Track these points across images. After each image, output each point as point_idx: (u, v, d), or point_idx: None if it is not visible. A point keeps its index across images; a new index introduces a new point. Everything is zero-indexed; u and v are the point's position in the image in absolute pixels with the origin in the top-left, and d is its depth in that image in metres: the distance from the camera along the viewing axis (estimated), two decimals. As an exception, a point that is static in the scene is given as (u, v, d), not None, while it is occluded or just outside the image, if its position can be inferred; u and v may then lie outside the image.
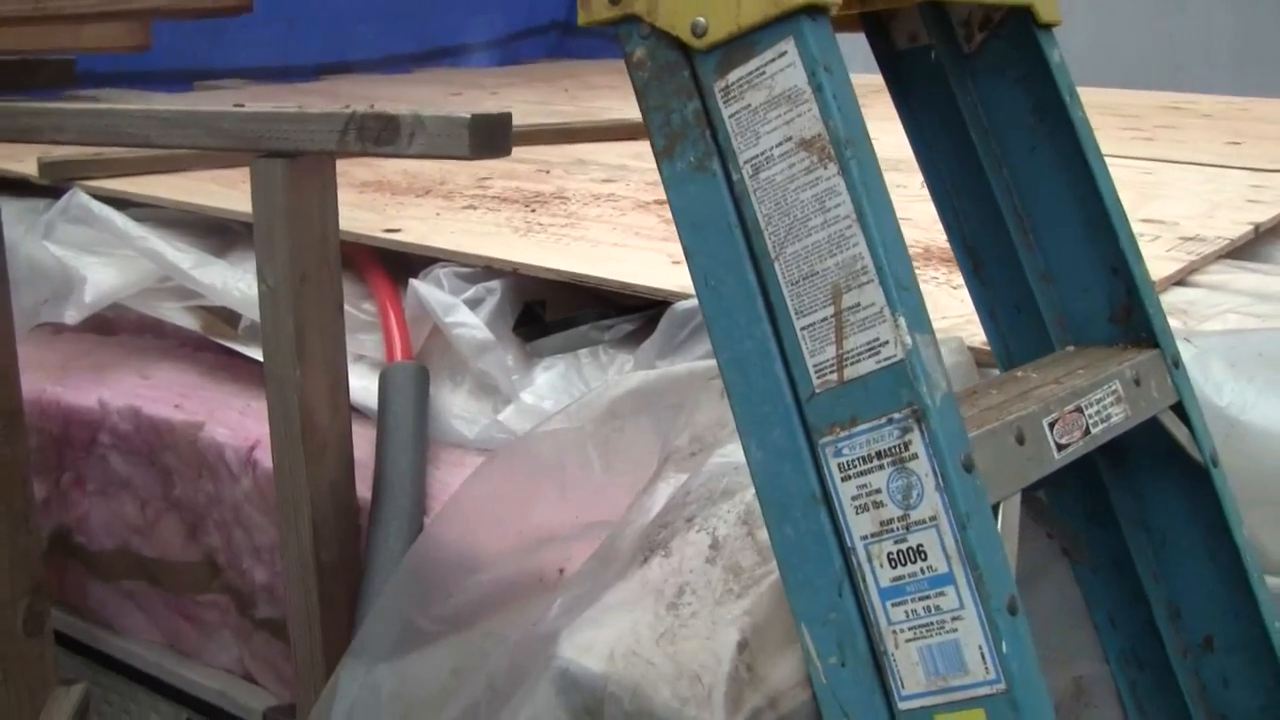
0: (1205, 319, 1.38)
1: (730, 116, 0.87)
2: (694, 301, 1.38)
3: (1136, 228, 1.64)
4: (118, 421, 1.74)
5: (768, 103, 0.86)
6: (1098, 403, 0.97)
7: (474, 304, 1.54)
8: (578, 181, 2.08)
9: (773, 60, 0.85)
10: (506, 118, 1.26)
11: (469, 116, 1.21)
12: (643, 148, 2.36)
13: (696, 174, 0.89)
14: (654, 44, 0.90)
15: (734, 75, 0.87)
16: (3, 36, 1.57)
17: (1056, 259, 1.12)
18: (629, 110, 2.89)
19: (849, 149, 0.83)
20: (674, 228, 1.60)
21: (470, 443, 1.50)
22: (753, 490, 0.97)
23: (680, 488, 1.04)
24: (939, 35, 1.14)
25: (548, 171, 2.16)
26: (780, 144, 0.85)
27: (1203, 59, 4.13)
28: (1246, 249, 1.71)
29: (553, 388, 1.47)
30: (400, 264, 1.72)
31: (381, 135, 1.25)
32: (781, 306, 0.86)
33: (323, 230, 1.35)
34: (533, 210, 1.85)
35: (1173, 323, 1.35)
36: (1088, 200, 1.10)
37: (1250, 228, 1.72)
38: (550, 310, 1.57)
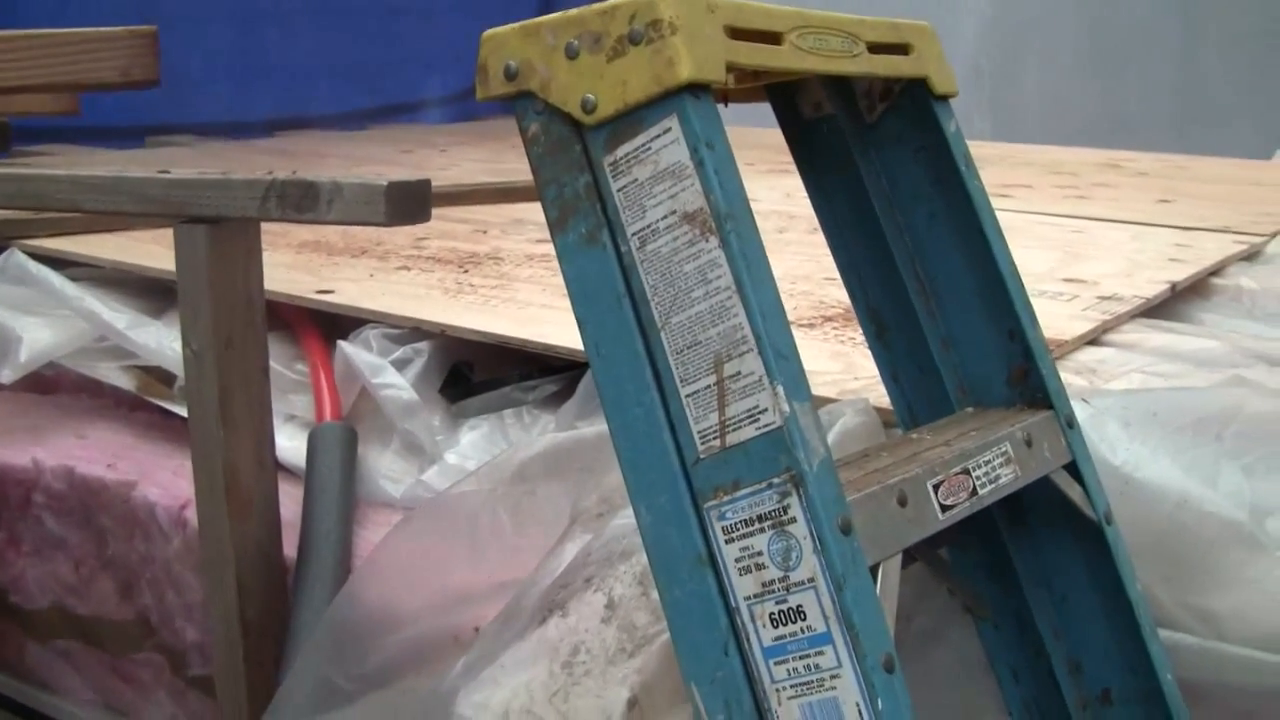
0: (1113, 378, 1.41)
1: (618, 190, 0.90)
2: (613, 363, 1.41)
3: (1057, 287, 1.68)
4: (51, 481, 1.76)
5: (653, 177, 0.88)
6: (986, 464, 0.99)
7: (401, 365, 1.56)
8: (513, 241, 2.10)
9: (657, 136, 0.88)
10: (425, 185, 1.28)
11: (385, 184, 1.24)
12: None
13: (587, 246, 0.91)
14: (547, 120, 0.93)
15: (621, 150, 0.90)
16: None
17: (956, 325, 1.15)
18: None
19: (729, 222, 0.86)
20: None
21: (397, 502, 1.52)
22: (651, 552, 1.00)
23: (583, 549, 1.06)
24: (842, 105, 1.17)
25: (485, 231, 2.19)
26: (665, 217, 0.88)
27: (1146, 117, 4.19)
28: (1164, 308, 1.74)
29: (476, 448, 1.49)
30: (334, 324, 1.75)
31: (302, 202, 1.27)
32: (668, 375, 0.88)
33: (247, 294, 1.37)
34: (465, 271, 1.88)
35: (1080, 382, 1.38)
36: (984, 267, 1.12)
37: (1167, 286, 1.75)
38: (478, 371, 1.59)
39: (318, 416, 1.60)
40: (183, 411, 1.74)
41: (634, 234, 0.89)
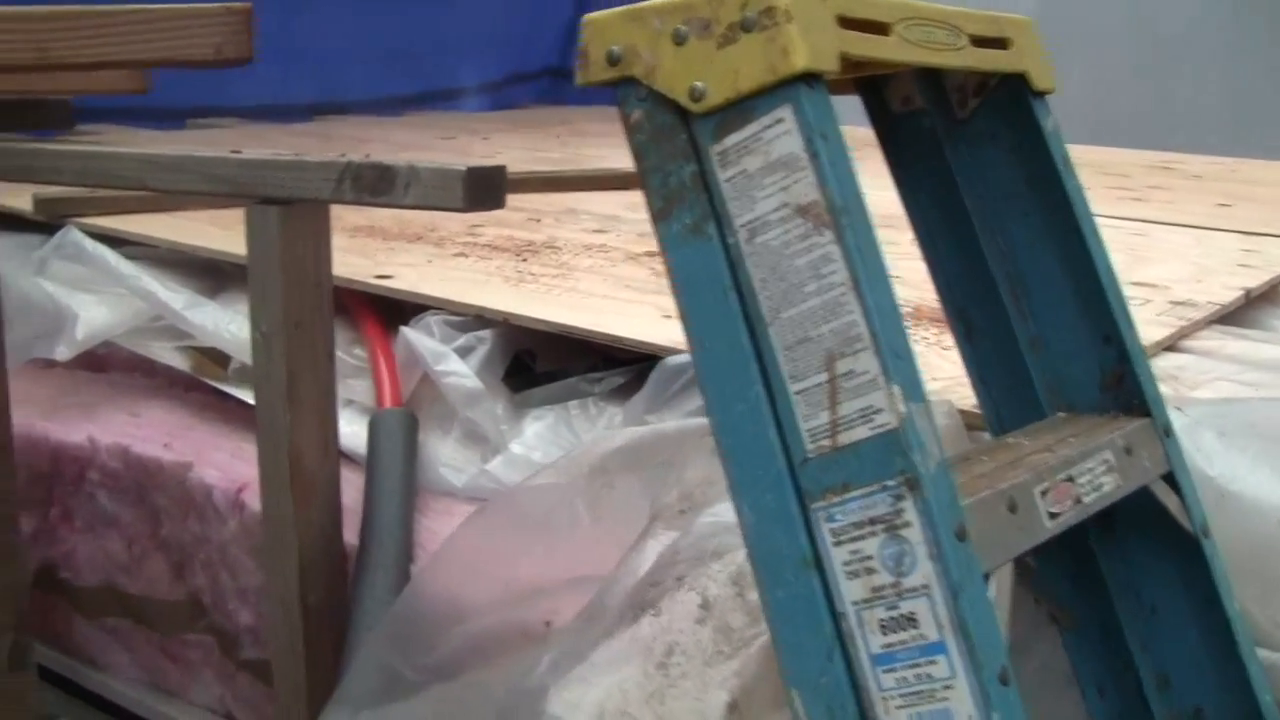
0: (1195, 386, 1.38)
1: (727, 180, 0.88)
2: (685, 357, 1.39)
3: (1128, 290, 1.65)
4: (107, 459, 1.74)
5: (764, 168, 0.86)
6: (1089, 472, 0.97)
7: (464, 352, 1.54)
8: (569, 231, 2.08)
9: (769, 126, 0.86)
10: (501, 171, 1.26)
11: (464, 169, 1.22)
12: (634, 198, 2.37)
13: (693, 237, 0.89)
14: (652, 106, 0.91)
15: (731, 140, 0.87)
16: (5, 80, 1.58)
17: (1048, 326, 1.12)
18: (621, 159, 2.90)
19: (844, 216, 0.84)
20: (665, 280, 1.61)
21: (458, 491, 1.50)
22: (744, 551, 0.97)
23: (670, 546, 1.04)
24: (933, 100, 1.14)
25: (539, 220, 2.17)
26: (776, 209, 0.86)
27: (1195, 119, 4.15)
28: (1236, 314, 1.71)
29: (541, 439, 1.47)
30: (391, 310, 1.73)
31: (377, 185, 1.25)
32: (776, 371, 0.86)
33: (316, 277, 1.35)
34: (524, 259, 1.86)
35: (1163, 389, 1.36)
36: (1080, 268, 1.10)
37: (1241, 293, 1.73)
38: (540, 361, 1.57)
39: (378, 402, 1.58)
40: (238, 393, 1.73)
41: (743, 225, 0.87)
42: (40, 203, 2.12)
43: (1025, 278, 1.13)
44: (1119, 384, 1.10)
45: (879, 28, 0.93)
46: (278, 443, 1.36)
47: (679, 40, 0.88)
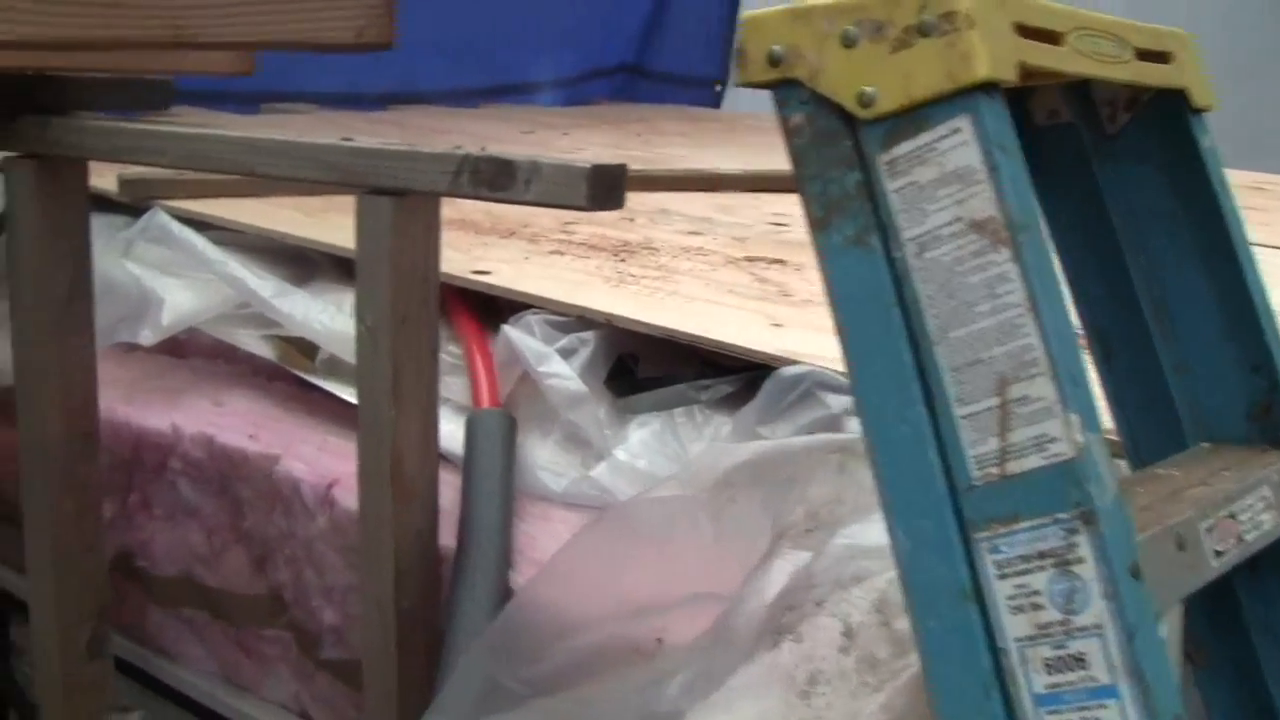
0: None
1: (895, 191, 0.84)
2: (801, 369, 1.35)
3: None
4: (190, 448, 1.71)
5: (937, 180, 0.82)
6: (1249, 508, 0.93)
7: (566, 354, 1.51)
8: (663, 232, 2.04)
9: (945, 137, 0.82)
10: (623, 170, 1.23)
11: (589, 166, 1.18)
12: (726, 200, 2.34)
13: (854, 248, 0.85)
14: (814, 110, 0.87)
15: (901, 149, 0.83)
16: (107, 57, 1.55)
17: (1193, 351, 1.08)
18: (702, 158, 2.87)
19: (1023, 234, 0.80)
20: (770, 287, 1.58)
21: (557, 496, 1.46)
22: (886, 577, 0.94)
23: (803, 568, 1.00)
24: (1080, 113, 1.10)
25: (632, 219, 2.13)
26: (949, 224, 0.82)
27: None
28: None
29: (647, 446, 1.43)
30: (484, 306, 1.70)
31: (496, 180, 1.22)
32: (941, 392, 0.82)
33: (424, 271, 1.32)
34: (622, 260, 1.82)
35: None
36: (1231, 293, 1.06)
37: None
38: (642, 365, 1.53)
39: (475, 402, 1.55)
40: (325, 385, 1.70)
41: (911, 239, 0.83)
42: (125, 183, 2.10)
43: (1171, 300, 1.08)
44: (1267, 414, 1.05)
45: (1052, 37, 0.89)
46: (380, 441, 1.32)
47: (848, 42, 0.84)
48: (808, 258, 1.85)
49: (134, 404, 1.79)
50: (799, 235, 1.99)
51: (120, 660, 1.84)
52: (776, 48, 0.87)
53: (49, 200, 1.50)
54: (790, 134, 0.88)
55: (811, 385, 1.34)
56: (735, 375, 1.47)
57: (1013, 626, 0.79)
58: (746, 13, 0.90)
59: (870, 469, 0.85)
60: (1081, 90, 1.10)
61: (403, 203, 1.27)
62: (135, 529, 1.79)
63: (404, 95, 3.94)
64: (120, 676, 1.83)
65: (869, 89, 0.84)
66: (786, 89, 0.87)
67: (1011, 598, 0.79)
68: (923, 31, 0.82)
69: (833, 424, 1.33)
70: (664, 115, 3.92)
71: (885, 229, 0.84)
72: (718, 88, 4.56)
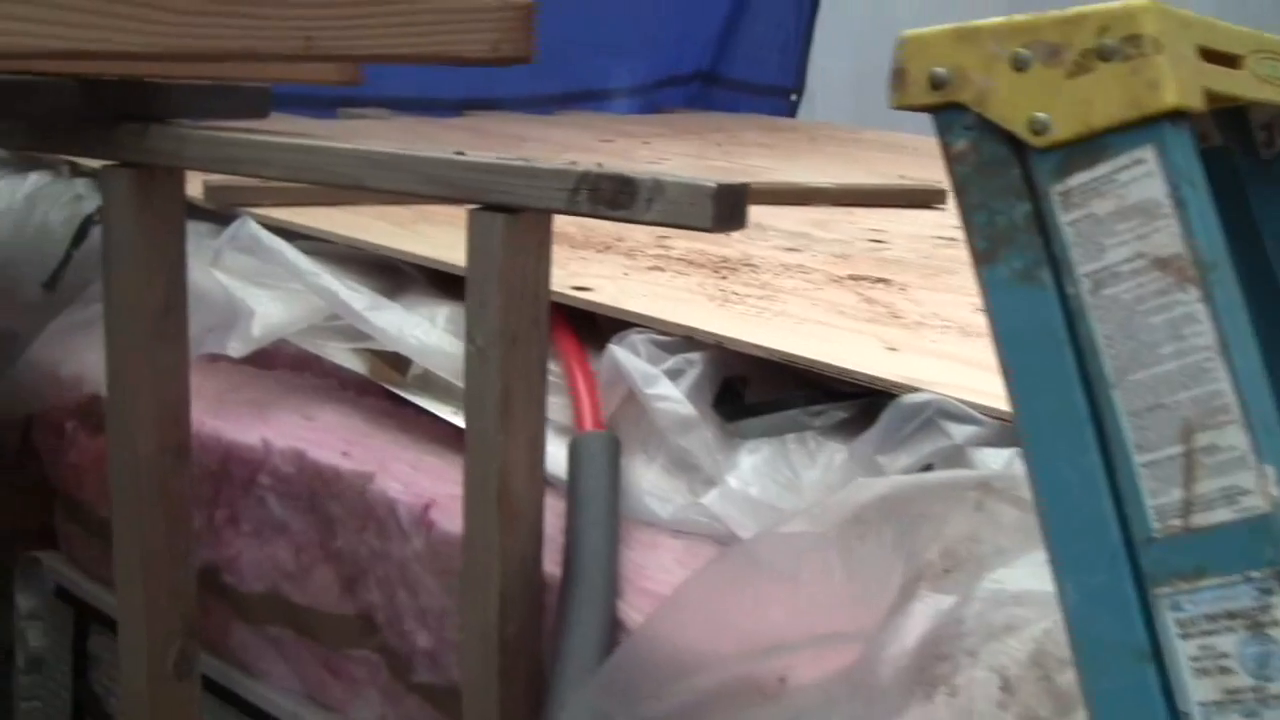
0: None
1: (1069, 224, 0.79)
2: (922, 397, 1.30)
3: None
4: (280, 463, 1.68)
5: (1117, 213, 0.77)
6: None
7: (673, 375, 1.46)
8: (761, 248, 2.00)
9: (1127, 168, 0.77)
10: (746, 190, 1.19)
11: (715, 185, 1.14)
12: (821, 215, 2.29)
13: (1023, 283, 0.81)
14: (980, 137, 0.82)
15: (1076, 180, 0.79)
16: (212, 64, 1.52)
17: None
18: (785, 171, 2.82)
19: (1213, 273, 0.75)
20: (880, 309, 1.53)
21: (663, 522, 1.42)
22: (1041, 626, 0.90)
23: (948, 614, 0.96)
24: (1234, 138, 1.05)
25: (727, 234, 2.09)
26: (1129, 260, 0.77)
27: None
28: None
29: (759, 473, 1.39)
30: (582, 323, 1.66)
31: (616, 198, 1.18)
32: (1118, 437, 0.77)
33: (535, 290, 1.28)
34: (723, 277, 1.78)
35: None
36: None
37: None
38: (751, 388, 1.49)
39: (578, 424, 1.50)
40: (418, 401, 1.66)
41: (1086, 275, 0.78)
42: (212, 190, 2.07)
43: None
44: None
45: (1231, 60, 0.85)
46: (487, 463, 1.28)
47: (1020, 66, 0.80)
48: (911, 277, 1.81)
49: (222, 416, 1.76)
50: (899, 253, 1.95)
51: (204, 677, 1.81)
52: (940, 69, 0.83)
53: (145, 210, 1.46)
54: (953, 161, 0.83)
55: (934, 414, 1.30)
56: (849, 400, 1.42)
57: (1197, 690, 0.75)
58: (907, 31, 0.85)
59: (1037, 517, 0.80)
60: (1236, 116, 1.05)
61: (516, 220, 1.23)
62: (221, 544, 1.76)
63: (479, 101, 3.91)
64: (205, 694, 1.80)
65: (1042, 115, 0.79)
66: (950, 113, 0.83)
67: (1195, 659, 0.75)
68: (1103, 55, 0.77)
69: (956, 455, 1.28)
70: (742, 125, 3.87)
71: (1058, 264, 0.79)
72: (793, 97, 4.51)
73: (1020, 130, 0.80)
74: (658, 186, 1.16)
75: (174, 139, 1.41)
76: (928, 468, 1.29)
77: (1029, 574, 0.99)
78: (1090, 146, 0.78)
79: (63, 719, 2.16)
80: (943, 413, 1.30)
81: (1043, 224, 0.80)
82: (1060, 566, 0.79)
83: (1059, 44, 0.79)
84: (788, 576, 1.09)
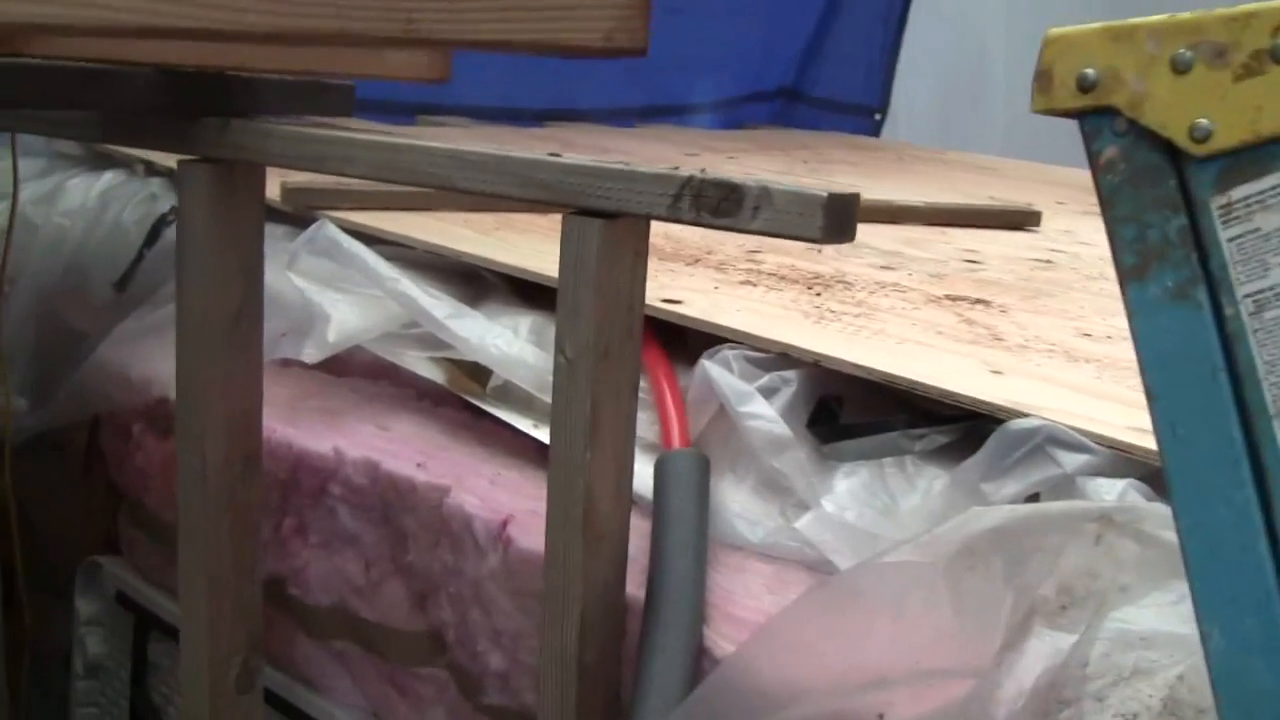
0: None
1: (1230, 240, 0.72)
2: (1031, 423, 1.24)
3: None
4: (352, 474, 1.62)
5: (1284, 229, 0.71)
6: None
7: (767, 393, 1.40)
8: (854, 265, 1.94)
9: (1298, 179, 0.71)
10: (856, 200, 1.12)
11: (825, 195, 1.08)
12: (914, 234, 2.23)
13: (1174, 303, 0.74)
14: (1132, 144, 0.76)
15: (1239, 192, 0.72)
16: (290, 55, 1.46)
17: None
18: (873, 189, 2.75)
19: (1392, 296, 0.68)
20: (983, 330, 1.46)
21: (753, 546, 1.36)
22: (1175, 672, 0.83)
23: (1073, 655, 0.89)
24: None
25: (819, 250, 2.02)
26: (1298, 280, 0.70)
27: None
28: None
29: (855, 498, 1.32)
30: (670, 338, 1.60)
31: (721, 205, 1.12)
32: (1277, 472, 0.71)
33: (630, 301, 1.22)
34: (817, 294, 1.72)
35: None
36: None
37: None
38: (845, 410, 1.43)
39: (665, 441, 1.44)
40: (497, 413, 1.61)
41: (1247, 296, 0.72)
42: (289, 191, 2.03)
43: None
44: None
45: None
46: (572, 482, 1.22)
47: (1180, 68, 0.73)
48: (1010, 299, 1.74)
49: (293, 424, 1.71)
50: (995, 274, 1.88)
51: (267, 690, 1.76)
52: (1089, 71, 0.76)
53: (223, 208, 1.41)
54: (1100, 169, 0.77)
55: (1044, 441, 1.23)
56: (951, 424, 1.36)
57: (1361, 749, 0.68)
58: (1053, 30, 0.79)
59: (1182, 555, 0.74)
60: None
61: (613, 226, 1.18)
62: (288, 555, 1.71)
63: (560, 112, 3.86)
64: (267, 708, 1.75)
65: (1203, 121, 0.72)
66: (1098, 118, 0.76)
67: (1361, 716, 0.68)
68: (1276, 58, 0.71)
69: (1066, 485, 1.22)
70: (827, 142, 3.81)
71: (1214, 283, 0.73)
72: (877, 116, 4.45)
73: (1178, 137, 0.73)
74: (765, 194, 1.10)
75: (258, 134, 1.36)
76: (1034, 497, 1.23)
77: (1156, 614, 0.92)
78: (1257, 155, 0.71)
79: (119, 726, 2.12)
80: (1053, 440, 1.23)
81: (1199, 239, 0.73)
82: (1206, 609, 0.73)
83: (1226, 44, 0.72)
84: (890, 608, 1.02)
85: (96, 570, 2.12)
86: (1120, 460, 1.21)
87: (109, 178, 2.42)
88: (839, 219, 1.09)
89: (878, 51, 4.40)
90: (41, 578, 2.28)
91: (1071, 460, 1.21)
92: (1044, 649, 0.92)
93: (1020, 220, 2.41)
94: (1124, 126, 0.75)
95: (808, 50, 4.38)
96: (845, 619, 1.04)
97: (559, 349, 1.21)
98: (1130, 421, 1.26)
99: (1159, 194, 0.75)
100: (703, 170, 1.16)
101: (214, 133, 1.38)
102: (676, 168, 1.17)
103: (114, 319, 2.14)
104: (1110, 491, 1.18)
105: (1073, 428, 1.22)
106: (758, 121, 4.34)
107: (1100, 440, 1.22)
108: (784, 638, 1.07)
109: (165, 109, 1.41)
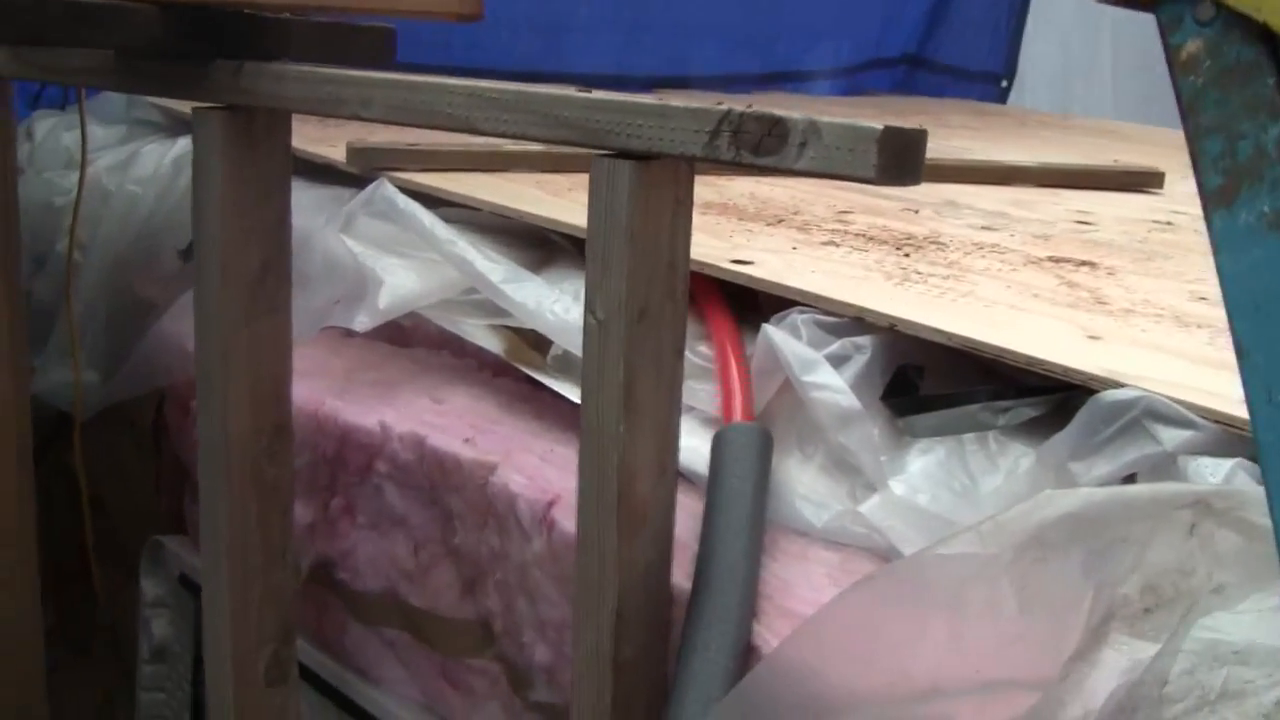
0: None
1: (1342, 152, 0.57)
2: (1128, 393, 1.08)
3: None
4: (399, 449, 1.50)
5: None
6: None
7: (837, 362, 1.25)
8: (952, 226, 1.78)
9: None
10: (922, 137, 0.97)
11: (880, 128, 0.93)
12: (1022, 195, 2.06)
13: (1272, 233, 0.59)
14: (1219, 35, 0.60)
15: (1355, 90, 0.57)
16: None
17: None
18: (990, 153, 2.59)
19: None
20: (1082, 293, 1.31)
21: (816, 532, 1.22)
22: (1274, 695, 0.68)
23: (1150, 670, 0.74)
24: None
25: (916, 211, 1.87)
26: None
27: None
28: None
29: (930, 479, 1.17)
30: (742, 303, 1.46)
31: (763, 142, 0.97)
32: (1396, 448, 0.56)
33: (671, 255, 1.08)
34: (906, 255, 1.57)
35: None
36: None
37: None
38: (926, 380, 1.28)
39: (725, 414, 1.31)
40: (556, 386, 1.48)
41: (1361, 223, 0.57)
42: (354, 153, 1.91)
43: None
44: None
45: None
46: (604, 457, 1.09)
47: (1277, -66, 0.59)
48: (1121, 261, 1.57)
49: (343, 397, 1.59)
50: (1107, 236, 1.72)
51: (317, 678, 1.65)
52: (1165, -53, 0.62)
53: (242, 158, 1.29)
54: (1180, 69, 0.62)
55: (1141, 415, 1.08)
56: (1040, 396, 1.20)
57: None
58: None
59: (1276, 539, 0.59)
60: None
61: (647, 168, 1.04)
62: (337, 537, 1.59)
63: (672, 79, 3.73)
64: (313, 692, 1.64)
65: (1307, 2, 0.58)
66: (1177, 5, 0.62)
67: None
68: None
69: (1166, 465, 1.06)
70: (949, 109, 3.64)
71: (1321, 206, 0.58)
72: (1004, 84, 4.28)
73: (1277, 22, 0.58)
74: (812, 128, 0.96)
75: (272, 77, 1.23)
76: (1129, 479, 1.08)
77: (1255, 621, 0.77)
78: (1373, 45, 0.56)
79: (184, 712, 2.02)
80: (1151, 413, 1.08)
81: (1302, 153, 0.58)
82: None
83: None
84: (946, 607, 0.87)
85: (160, 550, 2.01)
86: (1229, 438, 1.05)
87: (183, 144, 2.32)
88: (898, 157, 0.95)
89: (1005, 15, 4.24)
90: (114, 557, 2.20)
91: (1172, 436, 1.06)
92: (1120, 662, 0.77)
93: (1140, 181, 2.23)
94: (1209, 13, 0.60)
95: (932, 16, 4.22)
96: (897, 616, 0.90)
97: (589, 309, 1.08)
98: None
99: (1254, 96, 0.60)
100: (748, 105, 1.01)
101: (226, 76, 1.26)
102: (720, 102, 1.03)
103: (181, 288, 2.04)
104: (1216, 472, 1.02)
105: (1176, 400, 1.07)
106: (880, 89, 4.19)
107: (1206, 414, 1.06)
108: (830, 634, 0.92)
109: (178, 52, 1.29)
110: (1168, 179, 2.26)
